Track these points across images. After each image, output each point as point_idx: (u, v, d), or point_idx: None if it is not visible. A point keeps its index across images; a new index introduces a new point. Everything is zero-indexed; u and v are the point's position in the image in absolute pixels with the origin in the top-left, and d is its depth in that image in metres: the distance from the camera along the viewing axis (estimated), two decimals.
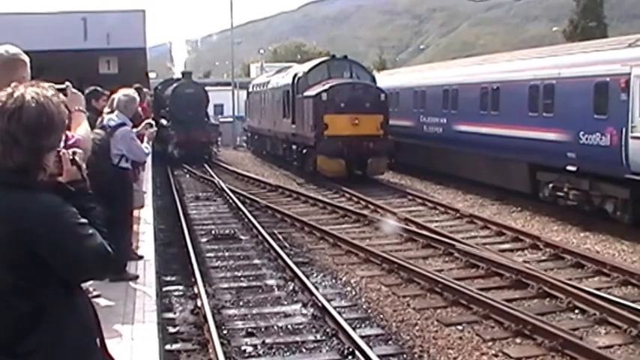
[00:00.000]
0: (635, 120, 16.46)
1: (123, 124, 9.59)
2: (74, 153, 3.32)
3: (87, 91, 10.31)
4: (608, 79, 17.38)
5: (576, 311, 11.34)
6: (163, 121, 34.76)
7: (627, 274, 13.29)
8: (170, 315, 11.03)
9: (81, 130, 5.17)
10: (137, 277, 9.61)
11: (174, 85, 38.89)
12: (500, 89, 22.52)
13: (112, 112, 9.88)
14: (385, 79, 32.22)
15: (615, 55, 17.65)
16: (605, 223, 17.84)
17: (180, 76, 43.29)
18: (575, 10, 59.88)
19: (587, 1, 58.44)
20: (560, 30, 64.62)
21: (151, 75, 41.96)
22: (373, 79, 29.45)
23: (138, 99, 10.34)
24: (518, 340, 10.13)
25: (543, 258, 15.22)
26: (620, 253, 15.65)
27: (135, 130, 10.17)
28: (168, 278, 13.14)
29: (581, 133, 18.16)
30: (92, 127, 6.61)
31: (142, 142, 10.15)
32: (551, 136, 19.44)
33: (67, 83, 5.17)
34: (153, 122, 11.03)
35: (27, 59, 4.74)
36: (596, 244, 16.47)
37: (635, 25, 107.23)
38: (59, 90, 3.61)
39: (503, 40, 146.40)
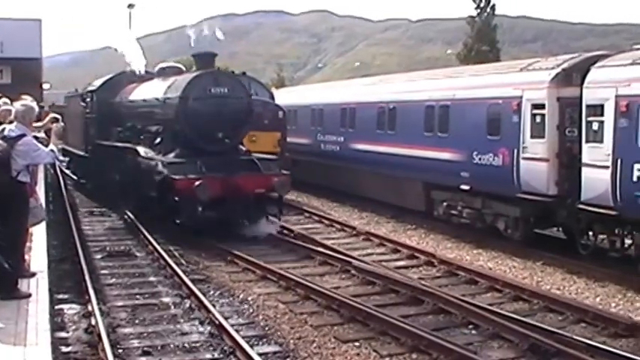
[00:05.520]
0: (526, 141, 16.97)
1: (24, 135, 9.37)
2: None
3: None
4: (500, 101, 17.88)
5: (470, 326, 11.61)
6: (142, 150, 20.31)
7: (518, 289, 13.71)
8: (63, 334, 10.77)
9: None
10: (29, 295, 9.32)
11: (190, 78, 20.13)
12: (397, 109, 22.85)
13: (11, 122, 9.68)
14: (284, 97, 32.24)
15: (508, 79, 18.17)
16: (497, 241, 18.30)
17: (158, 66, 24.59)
18: (469, 34, 61.32)
19: (480, 26, 59.90)
20: (454, 53, 66.20)
21: (45, 86, 38.53)
22: (272, 96, 29.44)
23: (36, 109, 10.11)
24: (414, 356, 10.28)
25: (438, 275, 15.53)
26: (511, 269, 16.10)
27: (39, 123, 9.95)
28: (61, 296, 12.83)
29: (475, 153, 18.60)
30: None
31: (48, 137, 10.00)
32: (445, 155, 19.84)
33: None
34: (59, 117, 10.83)
35: None
36: (489, 261, 16.89)
37: (526, 50, 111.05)
38: None
39: (399, 61, 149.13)
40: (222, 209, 18.10)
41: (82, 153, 27.33)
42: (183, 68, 23.30)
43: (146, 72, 25.49)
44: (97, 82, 27.16)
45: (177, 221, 18.13)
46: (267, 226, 18.94)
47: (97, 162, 24.83)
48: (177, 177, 17.88)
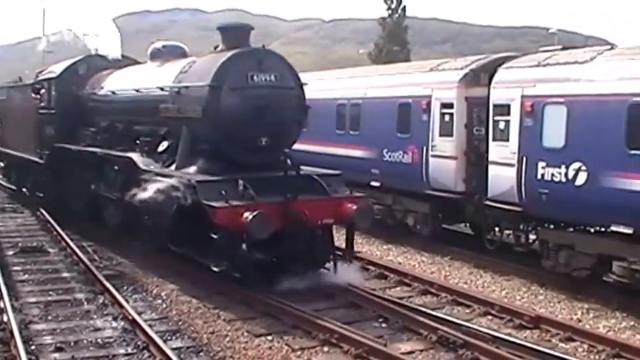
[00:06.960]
0: (435, 139, 17.36)
1: None
2: None
3: None
4: (410, 100, 18.23)
5: (380, 320, 11.85)
6: (140, 160, 15.06)
7: (427, 283, 14.07)
8: None
9: None
10: None
11: (223, 59, 13.87)
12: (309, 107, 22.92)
13: None
14: None
15: (418, 79, 18.53)
16: (406, 236, 18.67)
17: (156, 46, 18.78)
18: (380, 35, 61.96)
19: (392, 27, 60.59)
20: (366, 52, 66.66)
21: None
22: None
23: None
24: (325, 349, 10.46)
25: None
26: (420, 264, 16.48)
27: None
28: None
29: (385, 150, 18.92)
30: None
31: None
32: (356, 153, 20.09)
33: None
34: None
35: None
36: (399, 256, 17.25)
37: (436, 51, 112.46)
38: None
39: (312, 60, 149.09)
40: (276, 248, 12.69)
41: (33, 159, 21.44)
42: (187, 49, 18.59)
43: (123, 56, 21.41)
44: (57, 69, 21.42)
45: (216, 269, 12.70)
46: None
47: (59, 172, 19.89)
48: (217, 204, 12.05)
